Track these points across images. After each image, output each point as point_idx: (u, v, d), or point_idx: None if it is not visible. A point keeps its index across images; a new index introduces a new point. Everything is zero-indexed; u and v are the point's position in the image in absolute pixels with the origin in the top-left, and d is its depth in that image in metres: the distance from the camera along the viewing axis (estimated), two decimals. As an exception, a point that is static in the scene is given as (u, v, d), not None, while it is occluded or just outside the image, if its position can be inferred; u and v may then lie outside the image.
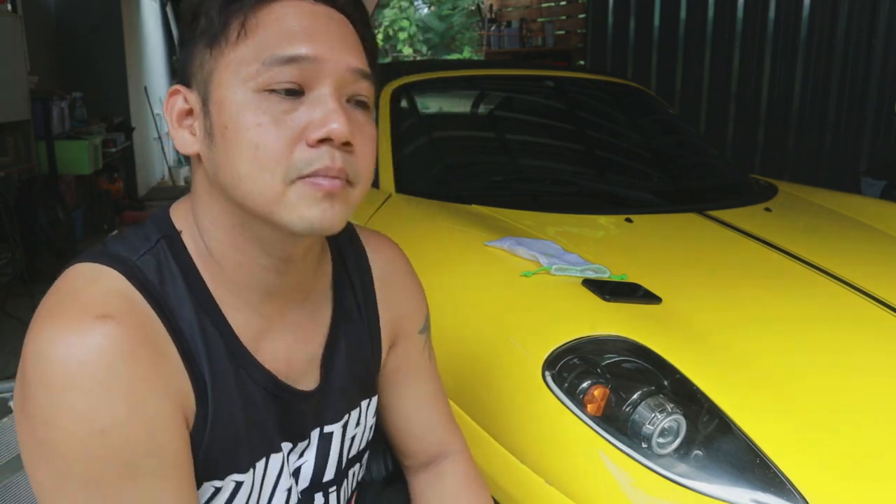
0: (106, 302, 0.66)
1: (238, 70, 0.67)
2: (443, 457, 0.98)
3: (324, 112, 0.67)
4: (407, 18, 17.05)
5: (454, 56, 16.17)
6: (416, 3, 17.64)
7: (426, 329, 0.97)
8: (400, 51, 16.98)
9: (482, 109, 2.82)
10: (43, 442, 0.64)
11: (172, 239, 0.74)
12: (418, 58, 16.46)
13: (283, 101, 0.67)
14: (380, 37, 16.80)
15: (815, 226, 2.13)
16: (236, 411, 0.74)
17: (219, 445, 0.73)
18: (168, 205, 0.79)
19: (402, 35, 16.94)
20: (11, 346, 3.26)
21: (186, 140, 0.72)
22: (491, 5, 8.65)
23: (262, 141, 0.66)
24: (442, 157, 2.45)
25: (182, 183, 7.72)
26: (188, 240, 0.75)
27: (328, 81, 0.68)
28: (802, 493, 1.04)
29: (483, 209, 1.92)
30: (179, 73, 0.74)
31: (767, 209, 2.12)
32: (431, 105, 2.91)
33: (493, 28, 8.46)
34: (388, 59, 15.97)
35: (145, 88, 7.21)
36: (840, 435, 1.15)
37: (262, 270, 0.75)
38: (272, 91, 0.67)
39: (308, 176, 0.67)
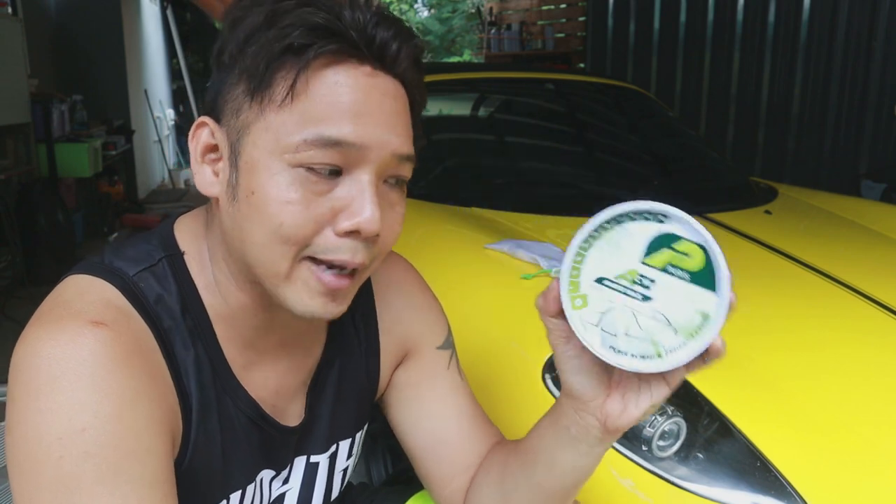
0: (100, 311, 0.64)
1: (278, 137, 0.63)
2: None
3: (360, 203, 0.64)
4: (407, 21, 17.05)
5: (454, 59, 16.17)
6: (416, 6, 17.64)
7: (449, 346, 0.92)
8: (400, 54, 16.96)
9: (482, 112, 2.82)
10: (18, 445, 0.60)
11: (175, 259, 0.72)
12: (418, 61, 16.43)
13: (319, 181, 0.63)
14: (380, 40, 16.77)
15: (816, 229, 2.13)
16: (217, 440, 0.72)
17: (195, 471, 0.71)
18: (173, 220, 0.76)
19: (402, 38, 16.93)
20: (11, 348, 3.26)
21: (208, 179, 0.69)
22: (491, 8, 8.67)
23: (289, 220, 0.63)
24: (442, 160, 2.45)
25: (182, 185, 7.73)
26: (192, 263, 0.72)
27: (370, 168, 0.65)
28: (802, 495, 1.04)
29: (483, 212, 1.92)
30: (209, 103, 0.69)
31: (767, 212, 2.12)
32: (431, 108, 2.91)
33: (493, 31, 8.47)
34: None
35: (145, 91, 7.22)
36: (840, 437, 1.15)
37: (264, 311, 0.73)
38: (309, 169, 0.63)
39: (321, 261, 0.65)
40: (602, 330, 0.57)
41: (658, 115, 2.89)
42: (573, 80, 2.98)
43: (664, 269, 0.56)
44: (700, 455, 1.10)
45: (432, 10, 17.68)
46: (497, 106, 2.90)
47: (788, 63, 4.89)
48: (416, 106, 0.72)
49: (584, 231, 0.57)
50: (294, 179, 0.63)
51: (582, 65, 6.91)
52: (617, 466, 1.09)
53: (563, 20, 7.66)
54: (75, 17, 5.88)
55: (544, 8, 7.90)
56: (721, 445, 1.11)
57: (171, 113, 8.64)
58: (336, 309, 0.68)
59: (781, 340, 1.37)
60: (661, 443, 1.10)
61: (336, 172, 0.64)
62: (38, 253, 4.07)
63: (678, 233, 0.56)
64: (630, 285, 0.57)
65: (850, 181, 4.34)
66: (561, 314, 0.60)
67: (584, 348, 0.60)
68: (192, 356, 0.70)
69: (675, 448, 1.10)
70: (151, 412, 0.63)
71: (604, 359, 0.58)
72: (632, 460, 1.09)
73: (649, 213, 0.56)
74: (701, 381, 1.18)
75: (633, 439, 1.11)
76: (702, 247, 0.56)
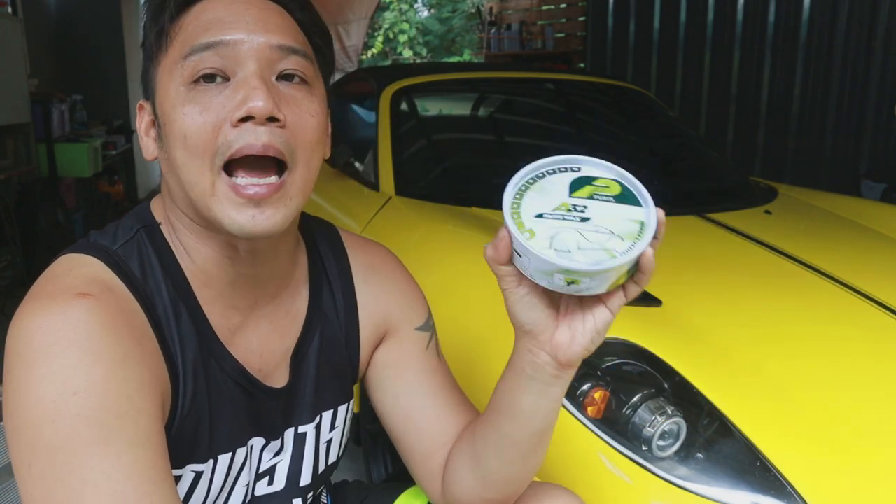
0: (87, 284, 0.68)
1: (171, 71, 0.71)
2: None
3: (245, 91, 0.68)
4: (407, 21, 17.04)
5: (454, 59, 16.18)
6: (415, 6, 17.64)
7: (429, 328, 0.95)
8: (400, 54, 16.98)
9: (482, 112, 2.82)
10: (16, 413, 0.63)
11: (152, 230, 0.77)
12: (418, 61, 16.47)
13: (209, 89, 0.69)
14: (380, 39, 16.80)
15: (816, 228, 2.13)
16: (204, 402, 0.76)
17: (184, 434, 0.74)
18: (150, 198, 0.82)
19: (402, 38, 16.93)
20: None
21: (150, 147, 0.76)
22: (491, 8, 8.67)
23: (189, 128, 0.68)
24: (442, 160, 2.45)
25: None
26: (166, 232, 0.77)
27: (250, 62, 0.69)
28: (802, 495, 1.04)
29: (483, 211, 1.92)
30: (142, 90, 0.78)
31: (767, 212, 2.12)
32: (431, 108, 2.91)
33: (492, 31, 8.48)
34: (388, 62, 15.98)
35: (145, 91, 7.20)
36: (840, 437, 1.15)
37: (229, 262, 0.77)
38: (198, 81, 0.69)
39: (232, 160, 0.68)
40: (556, 250, 0.62)
41: (658, 114, 2.89)
42: (573, 79, 2.98)
43: (591, 198, 0.65)
44: (700, 455, 1.10)
45: (432, 10, 17.68)
46: (497, 106, 2.90)
47: (788, 63, 4.88)
48: (304, 26, 0.77)
49: (513, 185, 0.66)
50: (190, 97, 0.69)
51: (582, 65, 6.91)
52: (616, 466, 1.09)
53: (563, 20, 7.65)
54: (75, 17, 5.87)
55: (544, 8, 7.90)
56: (721, 445, 1.11)
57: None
58: (267, 222, 0.69)
59: (781, 340, 1.37)
60: (661, 443, 1.10)
61: (224, 80, 0.69)
62: (38, 253, 4.06)
63: (593, 174, 0.66)
64: (567, 213, 0.64)
65: (850, 181, 4.34)
66: (510, 261, 0.66)
67: (534, 284, 0.66)
68: (177, 322, 0.74)
69: (675, 448, 1.10)
70: (141, 375, 0.66)
71: (561, 264, 0.61)
72: (631, 460, 1.09)
73: (565, 165, 0.66)
74: (701, 381, 1.18)
75: (633, 439, 1.11)
76: (616, 180, 0.66)
